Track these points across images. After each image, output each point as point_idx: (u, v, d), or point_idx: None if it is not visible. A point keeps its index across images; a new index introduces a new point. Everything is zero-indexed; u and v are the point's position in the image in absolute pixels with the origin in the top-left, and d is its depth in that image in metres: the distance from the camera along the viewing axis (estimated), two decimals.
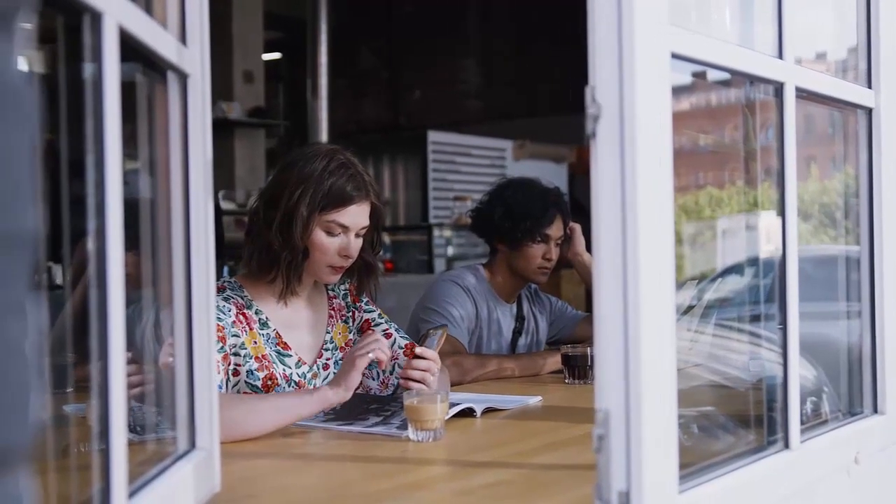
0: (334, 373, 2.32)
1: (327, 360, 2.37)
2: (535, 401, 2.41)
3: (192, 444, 1.39)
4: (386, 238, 7.59)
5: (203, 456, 1.39)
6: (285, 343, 2.28)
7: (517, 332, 3.19)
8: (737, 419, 1.74)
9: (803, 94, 1.61)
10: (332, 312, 2.42)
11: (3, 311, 0.54)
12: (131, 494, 1.09)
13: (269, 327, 2.26)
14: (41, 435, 0.59)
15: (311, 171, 2.21)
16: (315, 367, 2.33)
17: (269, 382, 2.21)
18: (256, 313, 2.26)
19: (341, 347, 2.40)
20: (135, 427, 1.33)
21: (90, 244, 1.01)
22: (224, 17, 7.40)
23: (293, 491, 1.63)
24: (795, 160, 1.57)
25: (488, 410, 2.23)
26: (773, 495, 1.51)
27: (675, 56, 1.28)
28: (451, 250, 7.47)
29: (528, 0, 9.01)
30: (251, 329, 2.23)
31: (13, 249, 0.55)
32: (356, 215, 2.25)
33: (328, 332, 2.39)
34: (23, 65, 0.59)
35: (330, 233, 2.23)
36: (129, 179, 1.10)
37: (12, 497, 0.57)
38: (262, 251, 2.24)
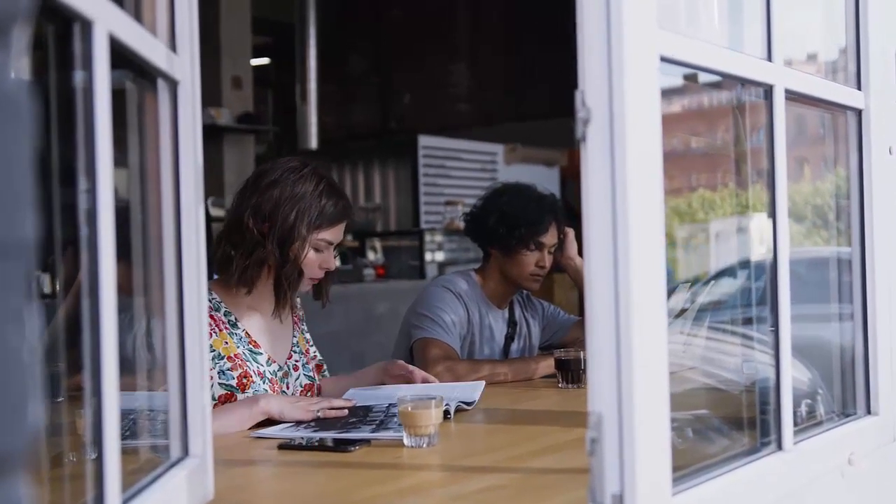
0: (304, 374, 2.47)
1: (296, 362, 2.48)
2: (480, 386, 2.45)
3: (186, 452, 1.39)
4: (377, 244, 7.58)
5: (196, 463, 1.38)
6: (255, 342, 2.37)
7: (509, 338, 3.19)
8: (730, 421, 1.74)
9: (793, 96, 1.61)
10: (296, 320, 2.54)
11: (2, 318, 0.54)
12: (125, 502, 1.09)
13: (239, 328, 2.35)
14: (38, 442, 0.60)
15: (302, 191, 2.31)
16: (286, 367, 2.43)
17: (245, 380, 2.29)
18: (225, 315, 2.34)
19: (304, 352, 2.52)
20: (124, 434, 1.33)
21: (82, 252, 1.00)
22: (212, 22, 7.37)
23: (286, 498, 1.63)
24: (786, 162, 1.58)
25: (460, 410, 2.25)
26: (766, 497, 1.51)
27: (664, 59, 1.28)
28: (442, 255, 7.46)
29: (518, 4, 9.03)
30: (221, 330, 2.30)
31: (13, 257, 0.56)
32: (341, 233, 2.40)
33: (294, 337, 2.51)
34: (20, 74, 0.59)
35: (317, 249, 2.35)
36: (118, 187, 1.10)
37: (12, 501, 0.58)
38: (255, 266, 2.31)
